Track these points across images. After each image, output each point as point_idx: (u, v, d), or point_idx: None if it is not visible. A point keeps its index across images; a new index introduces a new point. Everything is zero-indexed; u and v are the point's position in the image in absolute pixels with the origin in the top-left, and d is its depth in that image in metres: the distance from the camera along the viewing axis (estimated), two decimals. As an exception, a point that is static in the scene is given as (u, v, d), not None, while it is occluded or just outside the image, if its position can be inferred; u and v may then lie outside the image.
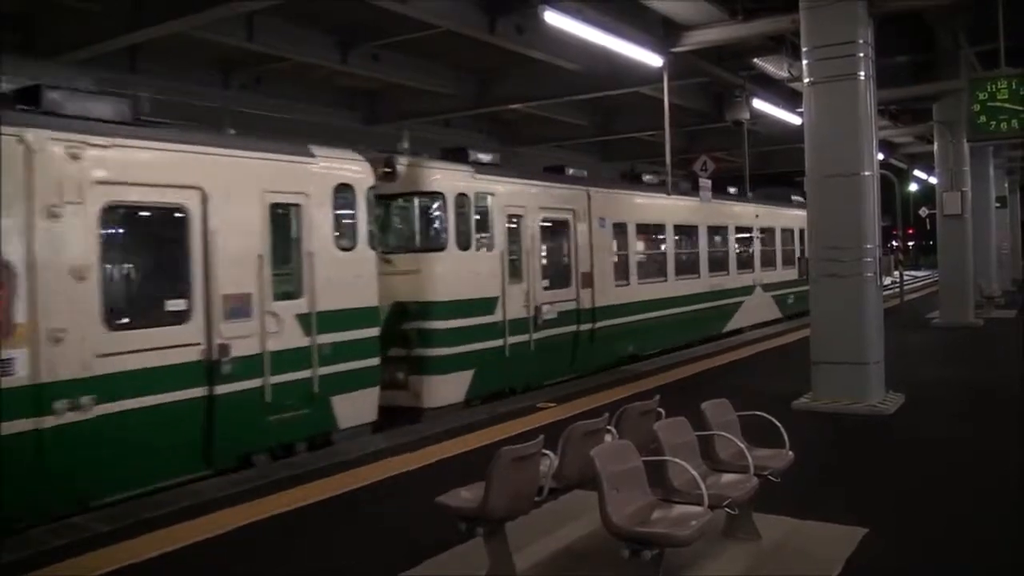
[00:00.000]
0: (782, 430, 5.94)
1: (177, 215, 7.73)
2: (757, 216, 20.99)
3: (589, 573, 5.29)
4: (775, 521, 5.81)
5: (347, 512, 6.76)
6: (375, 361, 9.60)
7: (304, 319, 8.66)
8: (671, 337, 16.33)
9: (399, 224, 11.59)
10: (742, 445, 5.64)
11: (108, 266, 7.31)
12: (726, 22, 12.55)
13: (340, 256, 9.17)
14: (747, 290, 20.17)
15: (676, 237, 17.16)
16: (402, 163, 11.00)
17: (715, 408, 6.01)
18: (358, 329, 9.31)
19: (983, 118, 11.31)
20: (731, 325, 19.27)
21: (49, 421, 6.54)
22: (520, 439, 5.13)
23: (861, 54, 9.90)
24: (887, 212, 25.38)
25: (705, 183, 17.16)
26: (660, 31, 12.94)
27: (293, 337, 8.53)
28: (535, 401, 11.04)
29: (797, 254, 22.93)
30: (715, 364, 14.26)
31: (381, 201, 10.54)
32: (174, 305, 7.66)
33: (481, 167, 11.84)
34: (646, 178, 17.13)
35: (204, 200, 7.79)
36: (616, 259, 14.79)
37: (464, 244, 11.25)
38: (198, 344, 7.68)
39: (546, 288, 12.81)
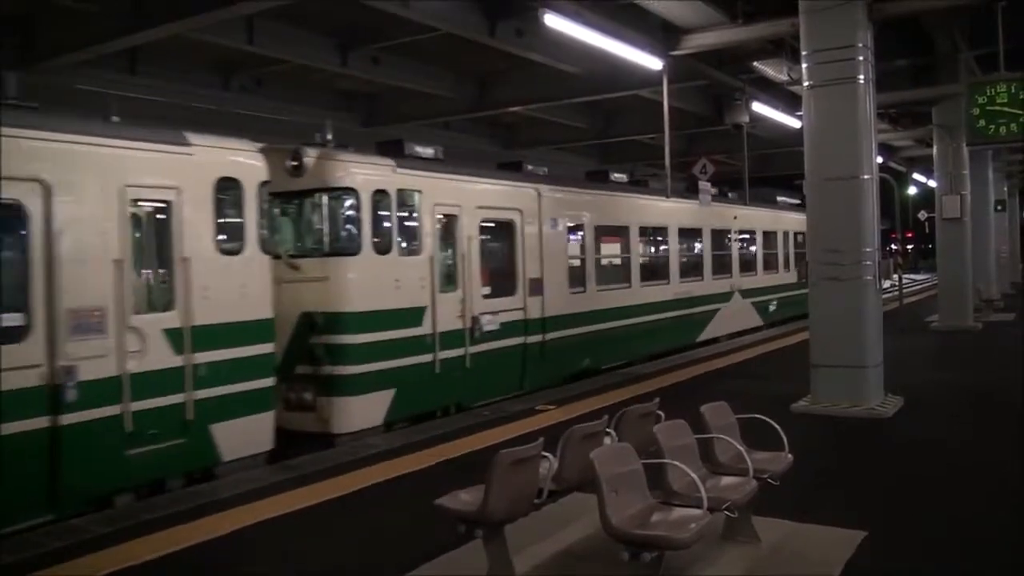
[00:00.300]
0: (781, 433, 5.95)
1: (11, 213, 6.54)
2: (736, 218, 19.83)
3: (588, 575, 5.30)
4: (774, 524, 5.82)
5: (346, 514, 6.75)
6: (268, 382, 8.37)
7: (175, 335, 7.46)
8: (635, 348, 15.23)
9: (308, 225, 10.34)
10: (741, 448, 5.65)
11: None
12: (726, 25, 12.57)
13: (223, 261, 7.98)
14: (724, 297, 19.05)
15: (642, 240, 16.02)
16: (310, 155, 9.75)
17: (714, 411, 6.02)
18: (246, 345, 8.11)
19: (982, 122, 11.34)
20: (706, 334, 18.11)
21: None
22: (520, 441, 5.14)
23: (860, 58, 9.92)
24: (886, 215, 25.39)
25: (705, 186, 17.16)
26: (660, 34, 12.95)
27: (161, 356, 7.36)
28: (534, 404, 11.03)
29: (781, 258, 22.20)
30: (714, 367, 14.26)
31: (289, 199, 9.89)
32: (8, 320, 6.47)
33: (405, 161, 10.59)
34: (614, 176, 16.13)
35: (47, 195, 6.63)
36: (572, 264, 13.67)
37: (383, 247, 10.05)
38: (38, 366, 6.54)
39: (487, 296, 11.63)
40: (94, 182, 7.02)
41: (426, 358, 10.48)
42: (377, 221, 10.03)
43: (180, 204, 7.61)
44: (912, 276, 45.95)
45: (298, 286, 9.53)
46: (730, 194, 20.67)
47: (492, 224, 12.10)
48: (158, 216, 7.61)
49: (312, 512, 6.74)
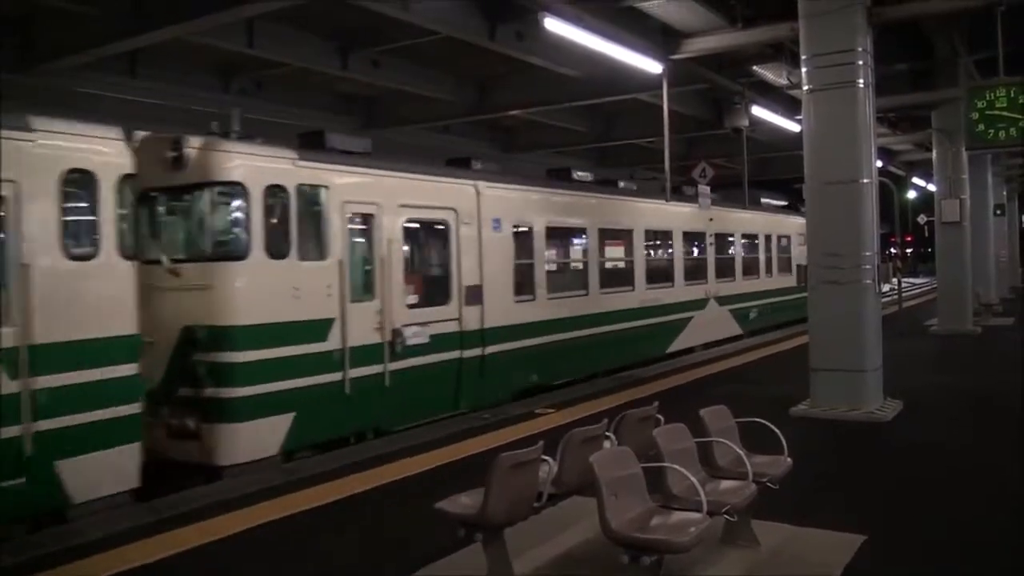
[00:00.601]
0: (780, 437, 5.94)
1: None
2: (711, 220, 18.45)
3: (588, 579, 5.30)
4: (773, 528, 5.81)
5: (346, 517, 6.74)
6: (132, 408, 7.09)
7: (9, 356, 6.27)
8: (592, 362, 13.94)
9: (190, 225, 9.20)
10: (741, 452, 5.65)
11: None
12: (725, 30, 12.61)
13: (73, 268, 6.75)
14: (698, 304, 17.73)
15: (603, 243, 14.68)
16: (193, 146, 8.53)
17: (714, 414, 6.01)
18: (103, 366, 6.84)
19: (981, 126, 11.32)
20: (677, 345, 16.77)
21: None
22: (519, 445, 5.14)
23: (860, 62, 9.93)
24: (886, 219, 25.49)
25: (704, 189, 17.15)
26: (660, 38, 13.00)
27: None
28: (534, 407, 11.02)
29: (763, 263, 21.54)
30: (714, 371, 14.26)
31: (171, 195, 8.88)
32: None
33: (310, 153, 9.44)
34: (578, 175, 14.82)
35: None
36: (517, 270, 12.38)
37: (278, 251, 8.80)
38: None
39: (412, 306, 10.41)
40: None
41: (334, 377, 9.25)
42: (271, 221, 8.83)
43: (17, 200, 6.41)
44: (911, 280, 46.03)
45: (179, 295, 8.46)
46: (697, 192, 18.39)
47: (419, 225, 10.94)
48: None
49: (311, 516, 6.69)
